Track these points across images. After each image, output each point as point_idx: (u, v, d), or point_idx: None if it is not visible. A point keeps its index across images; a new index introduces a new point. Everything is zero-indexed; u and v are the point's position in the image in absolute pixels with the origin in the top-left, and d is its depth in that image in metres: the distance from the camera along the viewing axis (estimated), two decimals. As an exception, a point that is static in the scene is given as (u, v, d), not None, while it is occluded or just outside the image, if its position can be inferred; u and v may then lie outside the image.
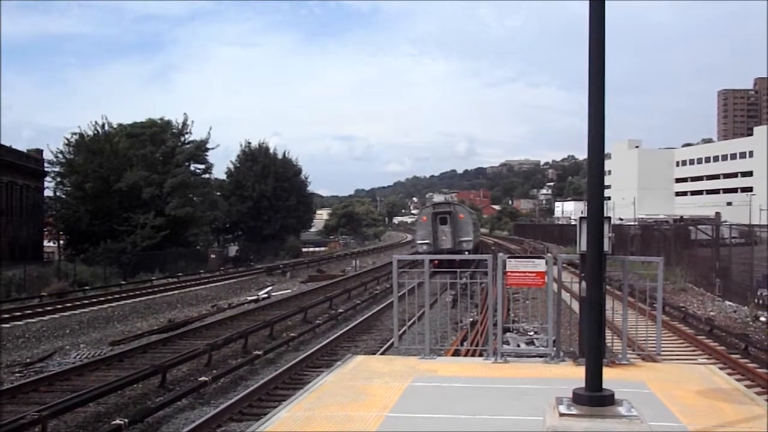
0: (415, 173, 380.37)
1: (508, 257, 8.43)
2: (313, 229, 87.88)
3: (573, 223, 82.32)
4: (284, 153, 68.32)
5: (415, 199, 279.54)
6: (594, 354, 4.75)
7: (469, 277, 15.74)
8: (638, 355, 9.20)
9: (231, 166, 65.61)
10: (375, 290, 30.89)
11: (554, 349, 8.30)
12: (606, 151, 4.91)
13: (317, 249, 74.14)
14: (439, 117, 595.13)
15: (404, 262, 11.08)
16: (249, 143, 66.16)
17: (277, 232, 63.20)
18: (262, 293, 31.55)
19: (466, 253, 36.91)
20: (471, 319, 17.37)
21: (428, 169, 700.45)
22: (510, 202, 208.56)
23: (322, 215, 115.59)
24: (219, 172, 66.73)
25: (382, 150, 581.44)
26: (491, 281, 8.74)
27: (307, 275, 41.86)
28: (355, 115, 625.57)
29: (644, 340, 9.02)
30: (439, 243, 38.71)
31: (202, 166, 52.94)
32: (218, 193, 58.44)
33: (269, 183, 62.71)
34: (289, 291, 33.23)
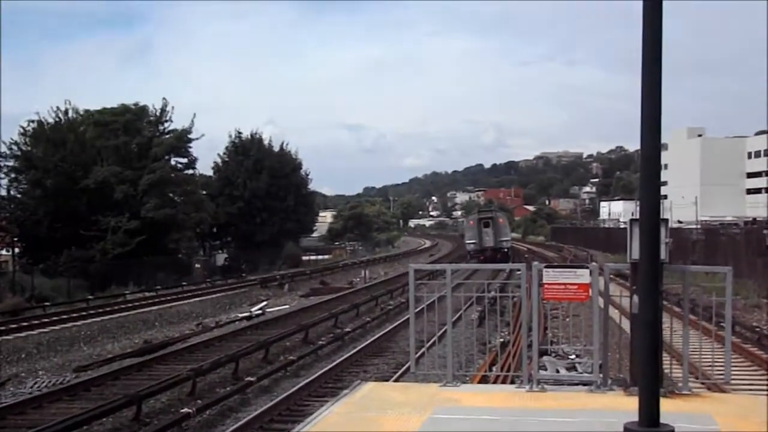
0: (435, 168, 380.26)
1: (545, 267, 8.40)
2: (315, 234, 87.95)
3: (622, 226, 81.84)
4: (281, 145, 68.60)
5: (434, 198, 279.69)
6: (649, 382, 4.72)
7: (498, 290, 15.72)
8: (702, 383, 9.14)
9: (218, 161, 65.86)
10: (388, 305, 30.89)
11: (601, 375, 8.25)
12: (662, 141, 4.86)
13: (320, 257, 74.20)
14: (463, 103, 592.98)
15: (422, 273, 11.06)
16: (239, 133, 66.41)
17: (272, 238, 63.32)
18: (255, 309, 31.58)
19: (506, 249, 57.40)
20: (501, 340, 17.32)
21: (450, 163, 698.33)
22: (546, 202, 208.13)
23: (326, 218, 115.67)
24: (204, 167, 66.84)
25: (395, 141, 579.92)
26: (525, 295, 8.71)
27: (308, 288, 41.87)
28: (364, 101, 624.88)
29: (710, 365, 8.95)
30: (483, 242, 57.02)
31: (185, 160, 53.29)
32: (204, 192, 58.58)
33: (263, 180, 62.85)
34: (287, 306, 33.26)
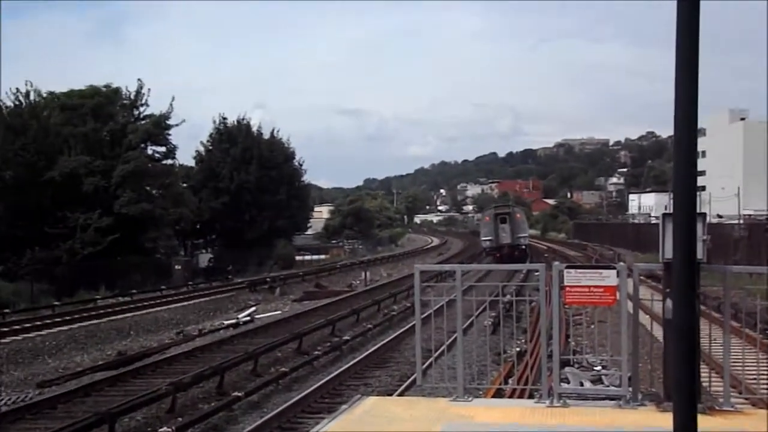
0: (443, 158, 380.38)
1: (567, 267, 8.38)
2: (310, 232, 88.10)
3: (654, 221, 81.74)
4: (272, 132, 68.70)
5: (443, 191, 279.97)
6: (685, 397, 4.69)
7: (514, 293, 15.73)
8: (746, 399, 9.09)
9: (201, 149, 65.99)
10: (391, 311, 30.90)
11: (630, 389, 8.24)
12: (700, 126, 4.84)
13: (315, 257, 74.25)
14: (475, 85, 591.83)
15: (429, 274, 11.06)
16: (225, 119, 66.52)
17: (262, 236, 63.36)
18: (243, 316, 31.69)
19: (523, 246, 62.13)
20: (518, 349, 17.31)
21: (460, 152, 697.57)
22: (568, 195, 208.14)
23: (322, 213, 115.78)
24: (186, 157, 66.87)
25: (399, 128, 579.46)
26: (544, 299, 8.69)
27: (302, 291, 41.96)
28: (365, 84, 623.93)
29: (755, 378, 8.93)
30: (500, 239, 61.17)
31: (163, 149, 53.12)
32: (185, 185, 58.57)
33: (252, 171, 62.89)
34: (278, 312, 33.35)
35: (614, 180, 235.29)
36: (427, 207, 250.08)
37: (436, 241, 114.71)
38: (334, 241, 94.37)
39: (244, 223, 62.75)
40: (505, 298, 15.39)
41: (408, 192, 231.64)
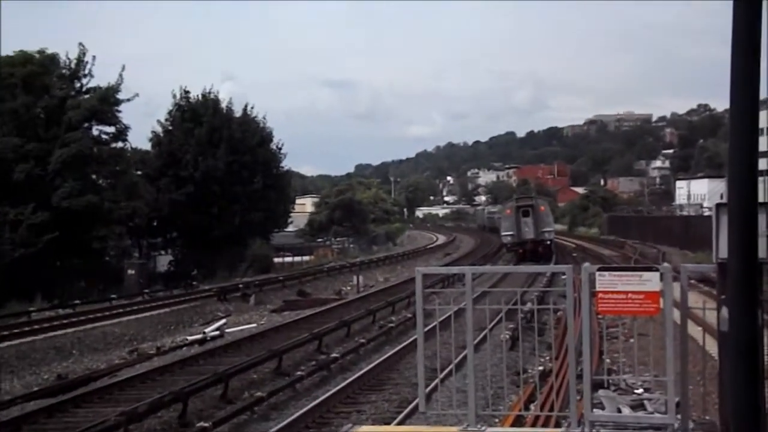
0: (451, 138, 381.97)
1: (599, 269, 8.34)
2: (291, 229, 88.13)
3: (707, 213, 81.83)
4: (244, 108, 68.72)
5: (449, 179, 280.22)
6: (746, 427, 4.66)
7: (536, 300, 15.73)
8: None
9: (159, 130, 65.78)
10: (389, 322, 30.92)
11: (678, 417, 8.21)
12: (763, 96, 4.75)
13: (298, 259, 74.28)
14: (490, 49, 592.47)
15: (434, 278, 11.03)
16: (187, 93, 66.38)
17: (233, 234, 63.32)
18: (210, 330, 31.66)
19: (548, 242, 67.42)
20: (541, 368, 17.32)
21: (471, 131, 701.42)
22: (602, 182, 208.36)
23: (306, 206, 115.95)
24: (140, 139, 66.63)
25: (397, 103, 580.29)
26: (572, 307, 8.66)
27: (281, 300, 41.92)
28: (355, 49, 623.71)
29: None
30: (522, 234, 66.35)
31: (112, 129, 52.87)
32: (139, 173, 58.42)
33: (220, 156, 62.80)
34: (253, 326, 33.40)
35: (658, 164, 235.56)
36: (431, 198, 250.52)
37: (442, 239, 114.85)
38: (320, 240, 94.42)
39: (212, 218, 62.55)
40: (526, 306, 15.38)
41: (408, 180, 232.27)
